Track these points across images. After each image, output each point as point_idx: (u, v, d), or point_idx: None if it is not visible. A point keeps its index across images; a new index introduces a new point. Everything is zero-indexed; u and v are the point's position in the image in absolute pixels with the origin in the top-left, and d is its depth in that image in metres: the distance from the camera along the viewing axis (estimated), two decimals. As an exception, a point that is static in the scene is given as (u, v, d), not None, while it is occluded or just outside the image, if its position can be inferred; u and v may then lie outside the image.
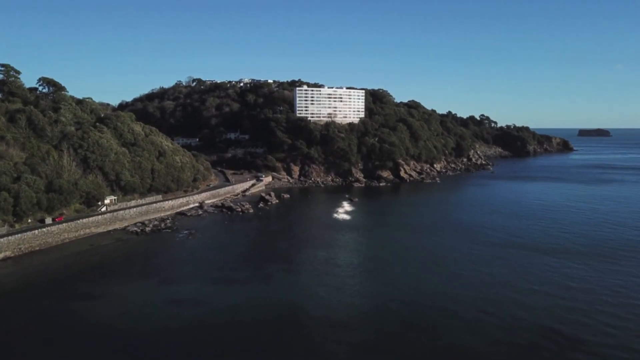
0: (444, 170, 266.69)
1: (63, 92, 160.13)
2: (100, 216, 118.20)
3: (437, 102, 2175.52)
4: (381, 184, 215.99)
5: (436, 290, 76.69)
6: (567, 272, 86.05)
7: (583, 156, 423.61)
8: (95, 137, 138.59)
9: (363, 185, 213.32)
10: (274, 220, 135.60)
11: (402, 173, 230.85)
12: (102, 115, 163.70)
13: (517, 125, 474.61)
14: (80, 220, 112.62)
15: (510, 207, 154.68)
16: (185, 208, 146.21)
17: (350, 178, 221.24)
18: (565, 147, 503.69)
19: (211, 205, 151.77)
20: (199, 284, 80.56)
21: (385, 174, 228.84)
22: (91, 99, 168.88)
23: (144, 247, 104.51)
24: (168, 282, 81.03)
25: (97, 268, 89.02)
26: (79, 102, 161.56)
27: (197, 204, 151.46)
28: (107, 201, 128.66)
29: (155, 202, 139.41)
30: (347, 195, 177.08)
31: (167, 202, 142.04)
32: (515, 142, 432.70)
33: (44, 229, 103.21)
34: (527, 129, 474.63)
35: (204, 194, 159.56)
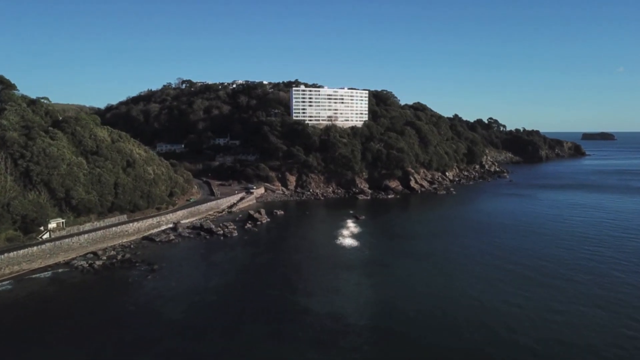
0: (457, 179, 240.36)
1: (12, 91, 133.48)
2: (36, 247, 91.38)
3: (440, 105, 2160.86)
4: (389, 196, 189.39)
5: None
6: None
7: (599, 161, 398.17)
8: (42, 145, 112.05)
9: (369, 197, 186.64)
10: (262, 248, 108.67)
11: (412, 183, 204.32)
12: (60, 118, 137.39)
13: (526, 128, 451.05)
14: (6, 254, 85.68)
15: (556, 228, 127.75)
16: (155, 231, 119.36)
17: (353, 189, 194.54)
18: (577, 151, 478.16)
19: (188, 227, 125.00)
20: (141, 366, 53.95)
21: (394, 184, 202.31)
22: (47, 99, 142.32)
23: (84, 294, 77.64)
24: (95, 364, 54.40)
25: None
26: (32, 102, 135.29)
27: (171, 225, 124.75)
28: (51, 225, 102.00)
29: (117, 225, 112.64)
30: (351, 211, 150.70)
31: (131, 224, 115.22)
32: (527, 146, 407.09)
33: (-52, 270, 76.58)
34: (537, 132, 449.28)
35: (180, 212, 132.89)
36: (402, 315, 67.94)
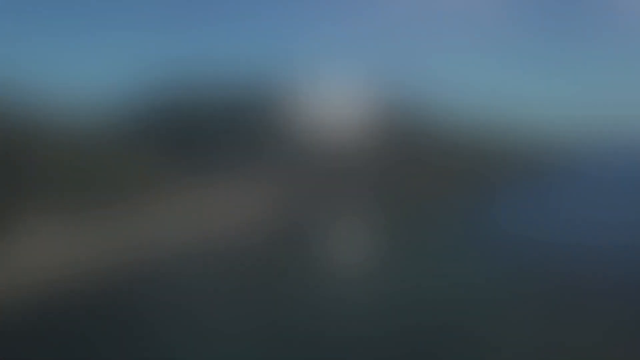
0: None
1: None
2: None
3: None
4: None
5: None
6: None
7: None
8: None
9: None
10: (258, 267, 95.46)
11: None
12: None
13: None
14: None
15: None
16: (139, 237, 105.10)
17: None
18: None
19: (176, 233, 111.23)
20: None
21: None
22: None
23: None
24: None
25: None
26: None
27: (145, 237, 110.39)
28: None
29: (68, 235, 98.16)
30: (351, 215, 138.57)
31: (90, 234, 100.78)
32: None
33: None
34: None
35: (169, 217, 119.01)
36: (415, 331, 54.86)
